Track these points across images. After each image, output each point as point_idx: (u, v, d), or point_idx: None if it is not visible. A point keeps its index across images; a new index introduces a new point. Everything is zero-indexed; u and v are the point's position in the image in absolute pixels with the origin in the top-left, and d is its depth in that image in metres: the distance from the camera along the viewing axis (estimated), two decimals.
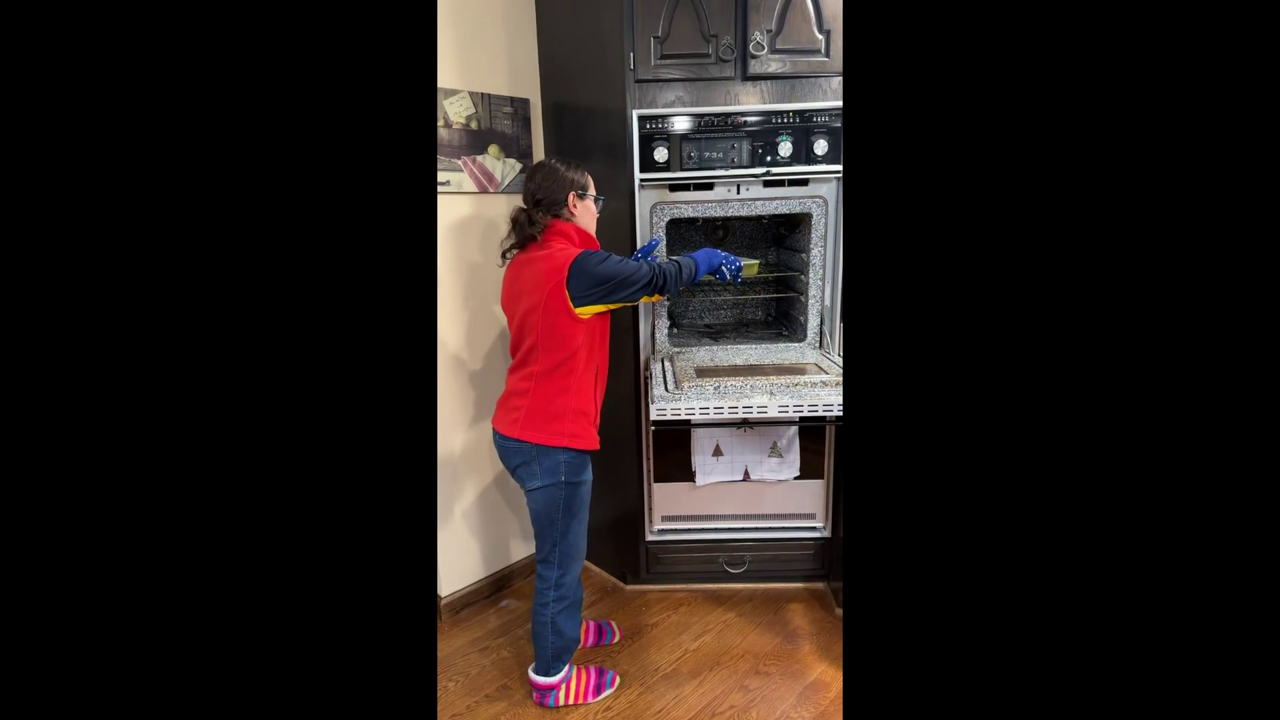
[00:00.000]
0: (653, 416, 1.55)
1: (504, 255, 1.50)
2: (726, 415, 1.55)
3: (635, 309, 1.83)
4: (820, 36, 1.66)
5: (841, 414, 1.55)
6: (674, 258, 1.54)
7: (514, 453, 1.44)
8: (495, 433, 1.48)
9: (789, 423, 1.88)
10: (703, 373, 1.71)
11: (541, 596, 1.50)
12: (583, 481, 1.47)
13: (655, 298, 1.51)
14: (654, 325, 1.87)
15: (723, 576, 2.05)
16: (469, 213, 1.85)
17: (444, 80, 1.74)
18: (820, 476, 1.98)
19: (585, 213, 1.48)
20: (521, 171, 1.94)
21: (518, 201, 1.93)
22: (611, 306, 1.43)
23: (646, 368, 1.85)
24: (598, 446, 1.48)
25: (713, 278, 1.64)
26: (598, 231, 1.80)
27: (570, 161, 1.47)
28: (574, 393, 1.41)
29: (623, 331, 1.86)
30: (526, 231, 1.41)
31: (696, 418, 1.56)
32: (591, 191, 1.49)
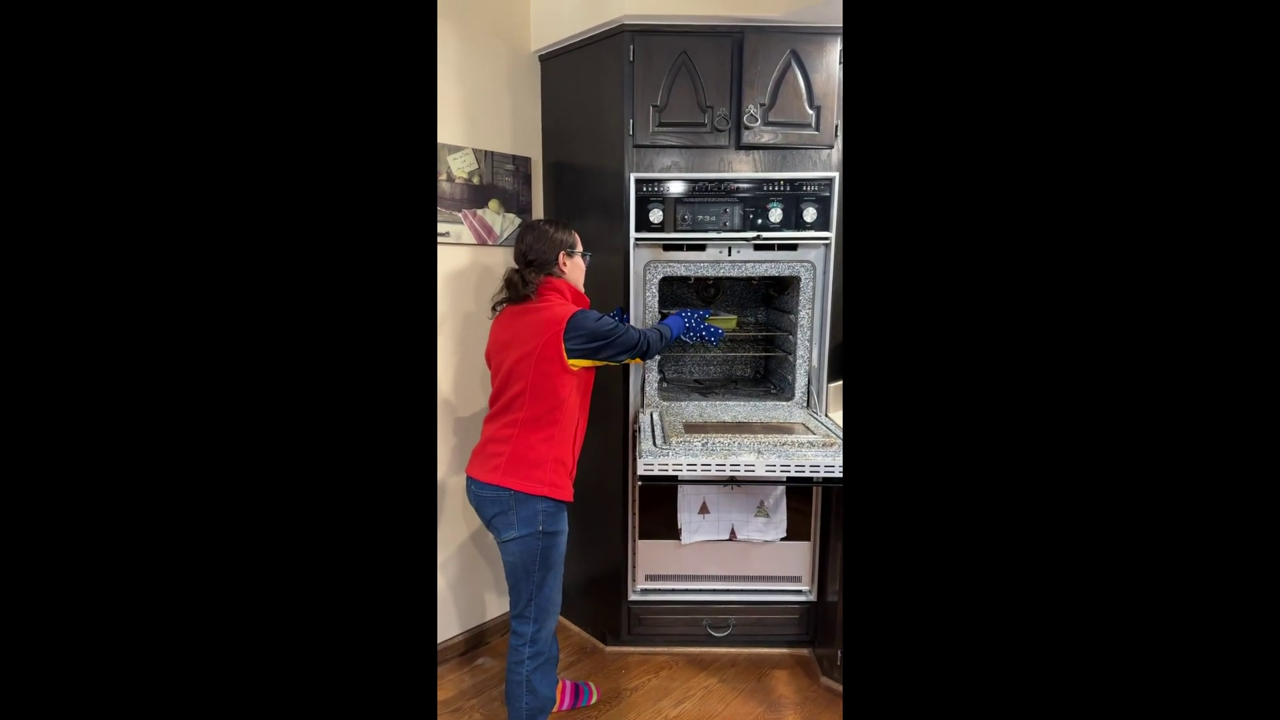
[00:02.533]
0: (640, 471, 1.55)
1: (494, 307, 1.53)
2: (714, 473, 1.55)
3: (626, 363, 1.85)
4: (811, 111, 1.75)
5: (828, 475, 1.55)
6: (655, 325, 1.67)
7: (491, 501, 1.43)
8: (472, 481, 1.47)
9: (776, 482, 1.88)
10: (691, 428, 1.71)
11: (516, 654, 1.46)
12: (560, 532, 1.46)
13: (638, 360, 1.63)
14: (644, 378, 1.89)
15: (706, 640, 2.00)
16: (467, 263, 1.89)
17: (449, 137, 1.80)
18: (806, 538, 1.96)
19: (575, 269, 1.55)
20: (520, 226, 1.99)
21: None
22: (598, 364, 1.48)
23: (635, 420, 1.86)
24: (572, 499, 1.48)
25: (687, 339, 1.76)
26: (594, 285, 1.85)
27: (557, 221, 1.54)
28: (556, 442, 1.43)
29: (613, 383, 1.87)
30: (521, 291, 1.46)
31: (684, 474, 1.56)
32: (579, 248, 1.56)
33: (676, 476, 1.56)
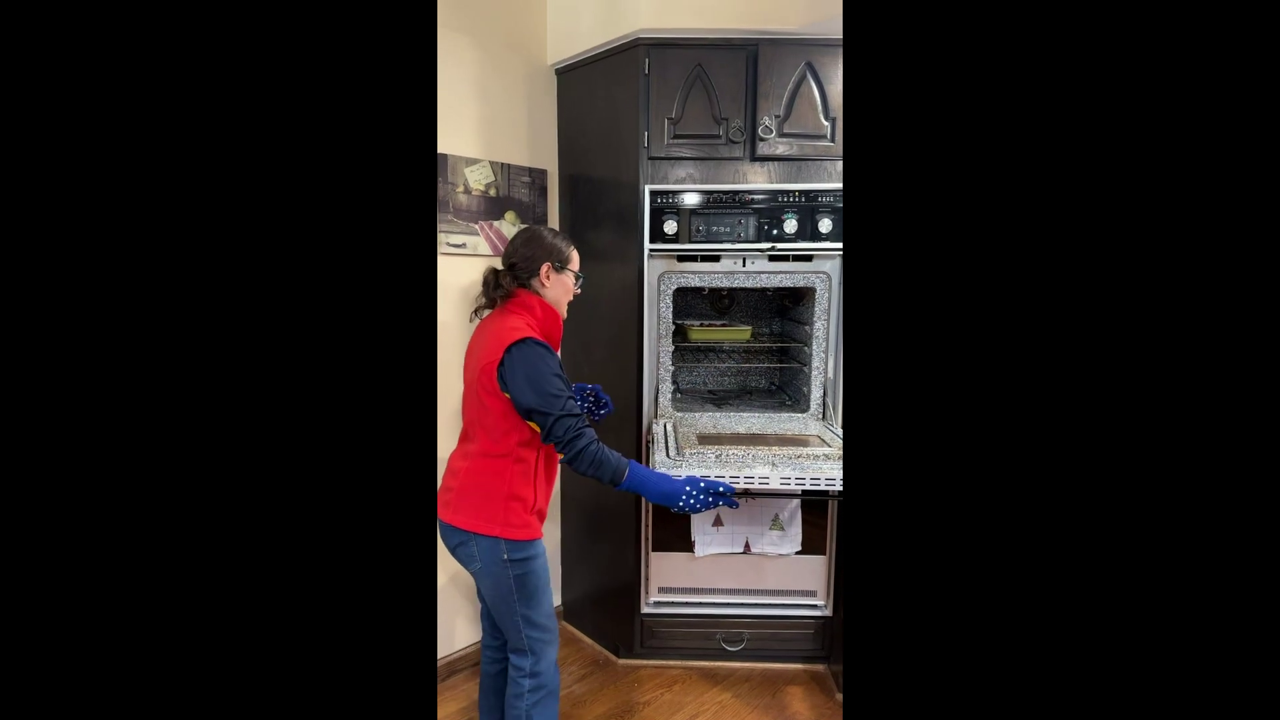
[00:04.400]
0: None
1: (475, 314, 1.39)
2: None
3: (640, 366, 1.85)
4: (826, 123, 1.75)
5: (844, 488, 1.54)
6: (613, 454, 1.28)
7: (449, 532, 1.33)
8: None
9: (791, 495, 1.86)
10: (705, 439, 1.71)
11: (515, 687, 1.36)
12: (531, 557, 1.31)
13: (554, 450, 1.30)
14: (658, 388, 1.89)
15: (719, 654, 1.98)
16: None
17: (466, 150, 1.83)
18: (822, 552, 1.93)
19: (558, 285, 1.36)
20: None
21: None
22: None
23: (648, 430, 1.85)
24: (539, 535, 1.33)
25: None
26: (609, 296, 1.85)
27: (560, 233, 1.39)
28: (509, 477, 1.28)
29: (625, 393, 1.87)
30: (491, 293, 1.33)
31: None
32: (572, 267, 1.38)
33: None
